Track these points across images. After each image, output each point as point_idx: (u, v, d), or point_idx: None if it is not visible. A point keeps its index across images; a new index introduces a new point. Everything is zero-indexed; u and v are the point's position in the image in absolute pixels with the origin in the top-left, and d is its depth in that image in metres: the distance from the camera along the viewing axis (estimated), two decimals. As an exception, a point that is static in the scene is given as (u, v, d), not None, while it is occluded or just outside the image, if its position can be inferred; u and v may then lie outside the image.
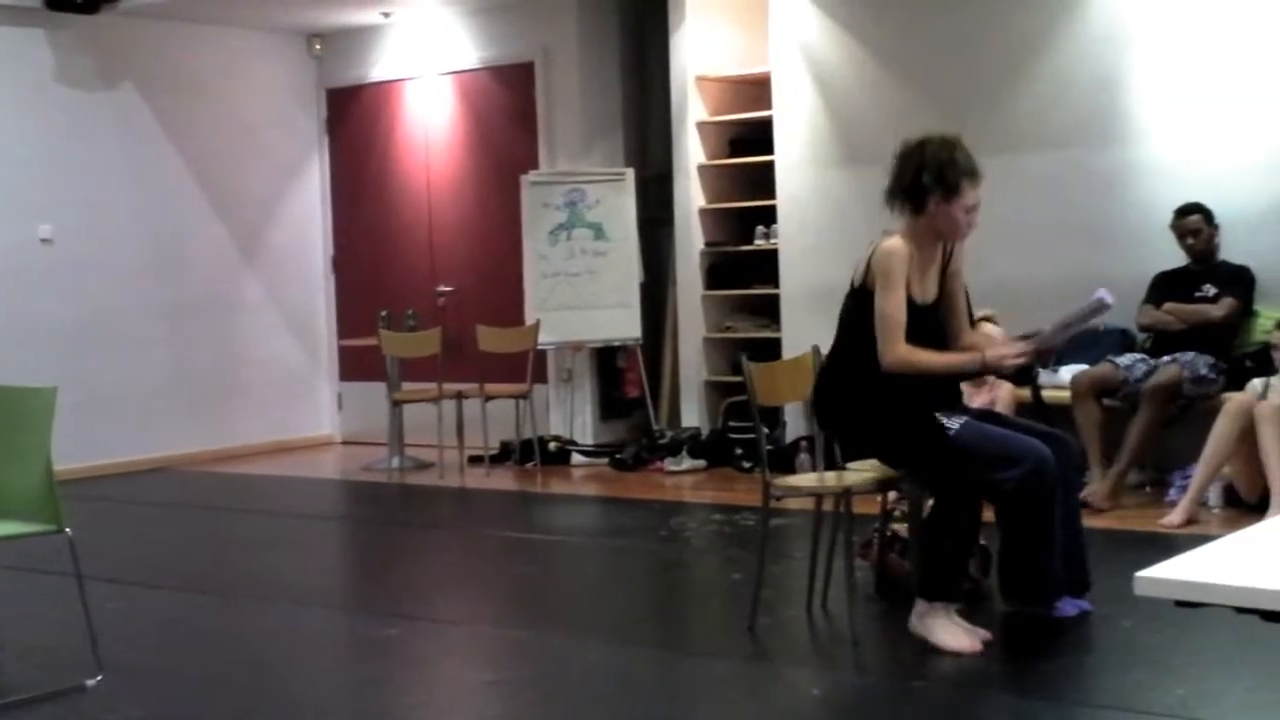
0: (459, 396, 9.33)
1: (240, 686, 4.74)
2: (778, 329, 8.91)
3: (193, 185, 10.32)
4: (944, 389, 4.87)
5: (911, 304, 4.69)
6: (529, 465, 9.28)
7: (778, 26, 8.72)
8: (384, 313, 9.90)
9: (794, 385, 5.33)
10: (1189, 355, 6.97)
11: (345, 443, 11.02)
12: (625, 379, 9.77)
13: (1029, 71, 7.87)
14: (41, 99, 9.55)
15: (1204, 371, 6.93)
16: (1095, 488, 6.79)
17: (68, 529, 4.59)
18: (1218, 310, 7.05)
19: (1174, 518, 6.47)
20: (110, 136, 9.87)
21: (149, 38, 10.04)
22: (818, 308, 7.47)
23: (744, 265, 9.35)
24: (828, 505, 5.17)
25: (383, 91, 10.75)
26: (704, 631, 5.49)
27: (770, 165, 8.84)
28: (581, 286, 9.41)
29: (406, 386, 9.70)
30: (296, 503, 8.81)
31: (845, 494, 4.91)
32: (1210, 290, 7.11)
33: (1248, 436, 6.37)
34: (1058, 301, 6.46)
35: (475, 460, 9.37)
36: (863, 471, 5.06)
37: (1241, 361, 7.01)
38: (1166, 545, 5.82)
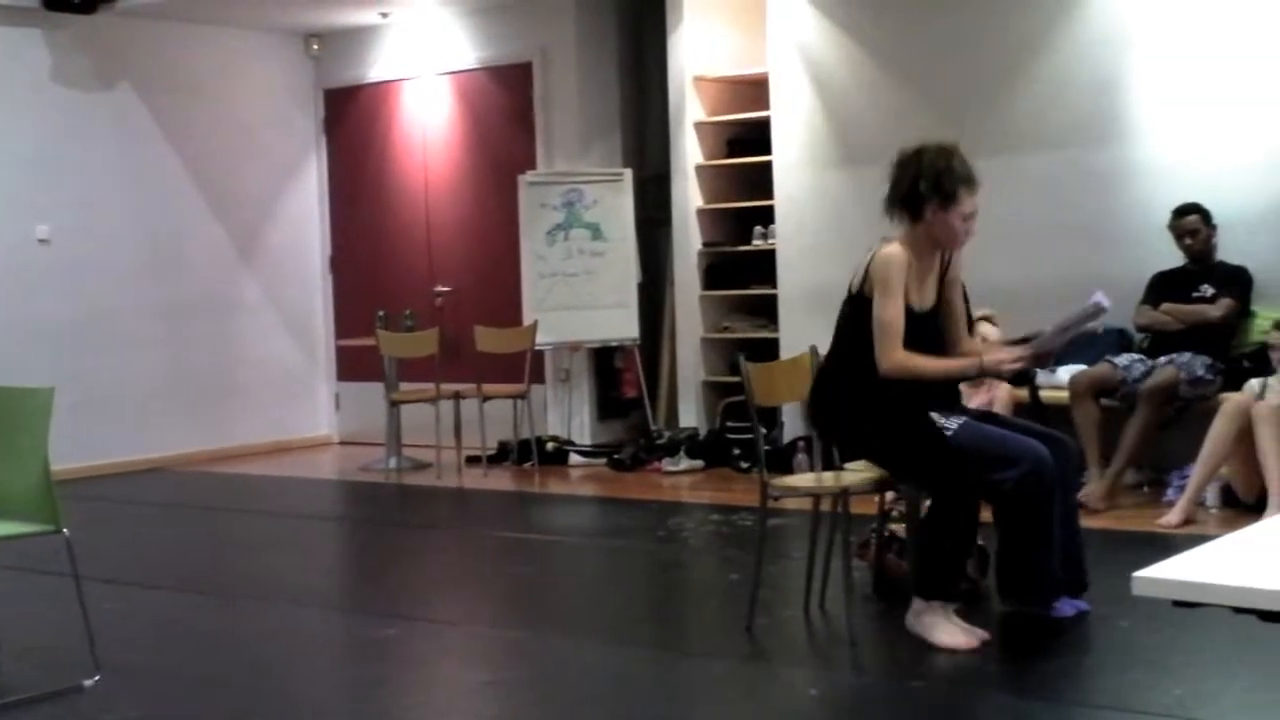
0: (456, 397, 9.32)
1: (238, 687, 4.74)
2: (775, 329, 8.91)
3: (190, 185, 10.31)
4: (942, 391, 4.88)
5: (909, 311, 4.71)
6: (526, 465, 9.28)
7: (775, 27, 8.72)
8: (381, 313, 9.90)
9: (792, 385, 5.33)
10: (1185, 356, 6.97)
11: (343, 443, 11.02)
12: (623, 379, 9.77)
13: (1027, 72, 7.88)
14: (39, 99, 9.54)
15: (1201, 372, 6.93)
16: (1091, 488, 6.79)
17: (65, 529, 4.58)
18: (1215, 311, 7.05)
19: (1171, 518, 6.47)
20: (108, 136, 9.87)
21: (146, 38, 10.04)
22: (816, 308, 7.47)
23: (742, 265, 9.35)
24: (825, 505, 5.17)
25: (380, 92, 10.75)
26: (702, 632, 5.49)
27: (768, 165, 8.84)
28: (579, 287, 9.41)
29: (404, 387, 9.70)
30: (294, 503, 8.80)
31: (843, 494, 4.91)
32: (1208, 290, 7.11)
33: (1245, 437, 6.38)
34: (1056, 301, 6.47)
35: (473, 460, 9.37)
36: (860, 472, 5.06)
37: (1239, 362, 7.01)
38: (1164, 545, 5.82)
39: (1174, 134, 7.46)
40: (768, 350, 8.36)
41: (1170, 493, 6.86)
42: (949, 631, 4.67)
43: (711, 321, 9.41)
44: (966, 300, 5.71)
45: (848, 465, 5.16)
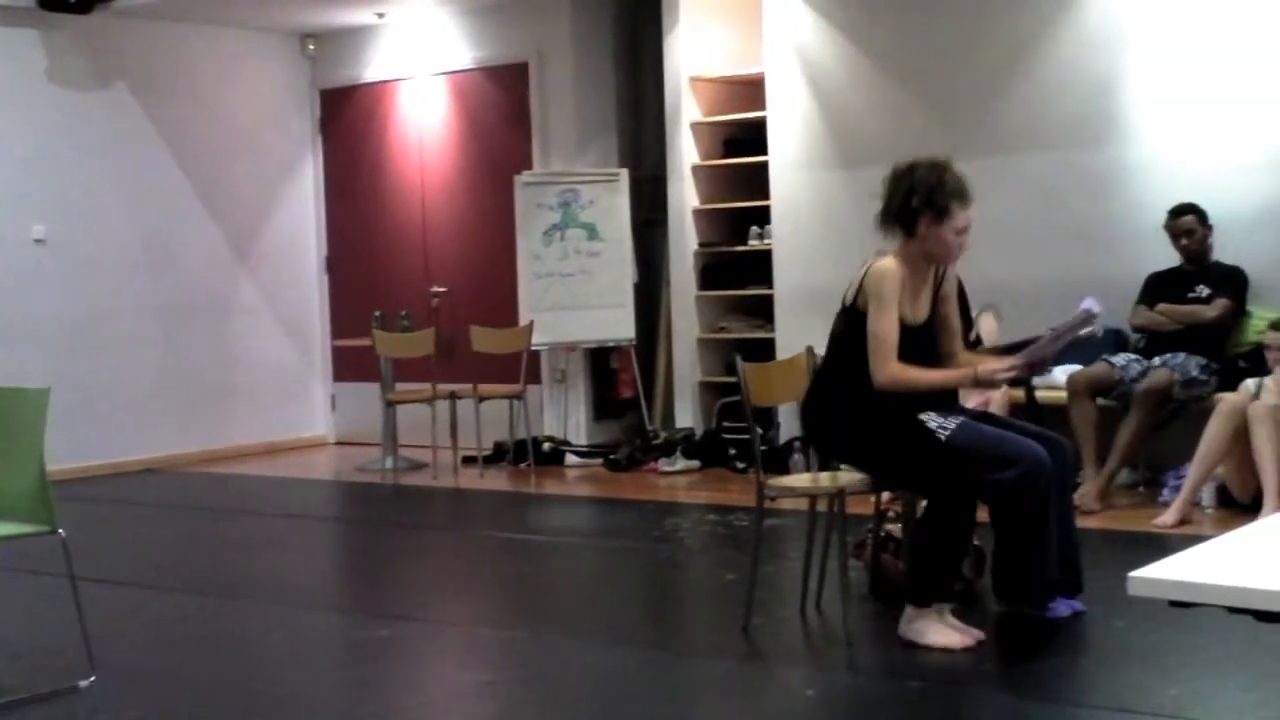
0: (453, 397, 9.32)
1: (234, 687, 4.74)
2: (772, 329, 8.91)
3: (186, 185, 10.31)
4: (939, 394, 4.88)
5: (902, 325, 4.72)
6: (523, 466, 9.27)
7: (772, 27, 8.72)
8: (378, 313, 9.90)
9: (788, 386, 5.33)
10: (1180, 357, 6.98)
11: (339, 443, 11.01)
12: (619, 380, 9.77)
13: (1023, 72, 7.88)
14: (35, 99, 9.54)
15: (1195, 373, 6.94)
16: (1086, 489, 6.79)
17: (61, 530, 4.58)
18: (1211, 311, 7.06)
19: (1167, 518, 6.47)
20: (104, 137, 9.86)
21: (142, 38, 10.03)
22: (812, 308, 7.47)
23: (738, 266, 9.35)
24: (822, 506, 5.18)
25: (376, 92, 10.75)
26: (698, 632, 5.49)
27: (764, 166, 8.85)
28: (575, 287, 9.41)
29: (400, 387, 9.69)
30: (290, 503, 8.80)
31: (839, 494, 4.92)
32: (1204, 291, 7.12)
33: (1241, 437, 6.38)
34: (1053, 300, 6.49)
35: (469, 461, 9.36)
36: (856, 472, 5.06)
37: (1235, 362, 7.02)
38: (1160, 545, 5.83)
39: (1170, 134, 7.46)
40: (764, 350, 8.36)
41: (1166, 493, 6.87)
42: (943, 632, 4.68)
43: (708, 322, 9.42)
44: (966, 300, 5.73)
45: (844, 465, 5.16)
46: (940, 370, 4.85)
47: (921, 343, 4.81)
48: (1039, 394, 7.15)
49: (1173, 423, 7.06)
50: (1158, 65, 7.48)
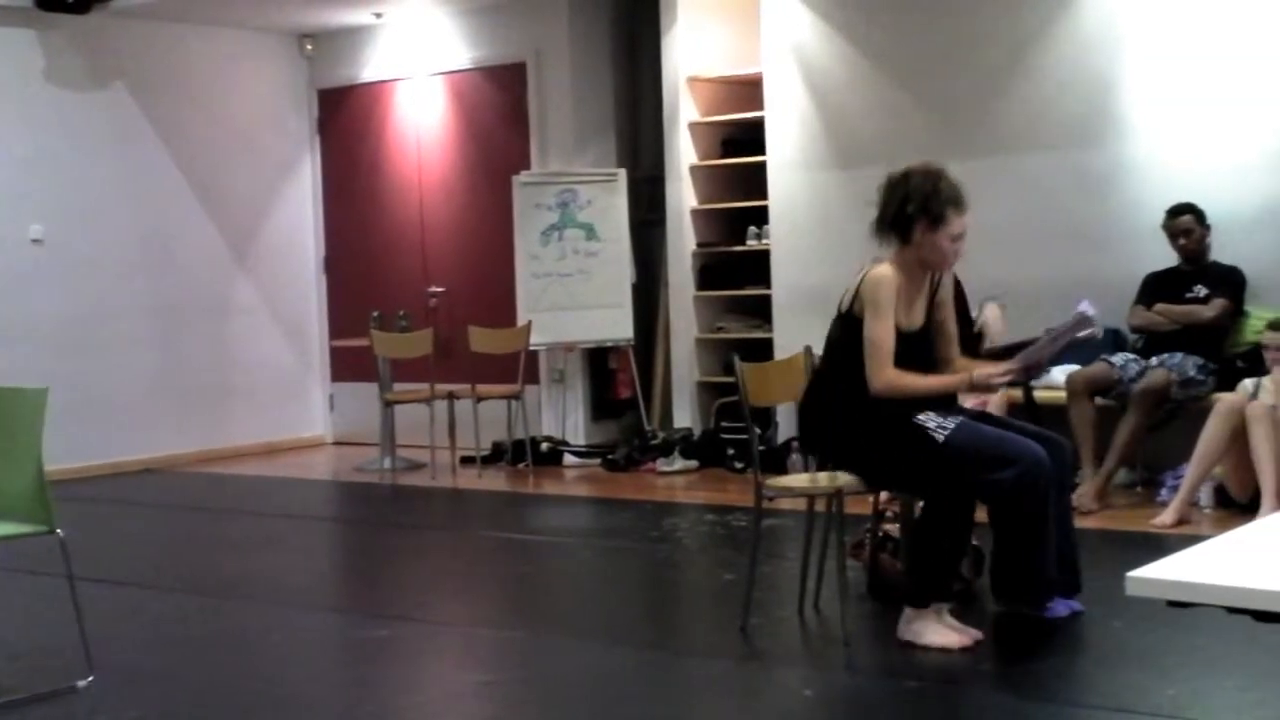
0: (451, 397, 9.32)
1: (232, 687, 4.74)
2: (770, 329, 8.91)
3: (184, 185, 10.30)
4: (937, 398, 4.89)
5: (897, 331, 4.72)
6: (521, 466, 9.27)
7: (769, 27, 8.72)
8: (376, 313, 9.90)
9: (786, 386, 5.33)
10: (1178, 357, 6.98)
11: (337, 443, 11.01)
12: (617, 380, 9.77)
13: (1021, 72, 7.88)
14: (32, 99, 9.53)
15: (1193, 374, 6.94)
16: (1083, 489, 6.79)
17: (59, 530, 4.58)
18: (1209, 311, 7.06)
19: (1165, 518, 6.47)
20: (101, 137, 9.86)
21: (140, 38, 10.03)
22: (809, 308, 7.48)
23: (736, 266, 9.35)
24: (820, 506, 5.18)
25: (374, 92, 10.74)
26: (696, 632, 5.49)
27: (762, 166, 8.85)
28: (573, 287, 9.41)
29: (398, 387, 9.69)
30: (288, 504, 8.80)
31: (837, 494, 4.92)
32: (1201, 291, 7.12)
33: (1239, 437, 6.38)
34: (1052, 300, 6.49)
35: (467, 461, 9.36)
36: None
37: (1233, 362, 7.02)
38: (1158, 545, 5.83)
39: (1168, 134, 7.47)
40: (762, 350, 8.36)
41: (1164, 493, 6.87)
42: (941, 632, 4.68)
43: (706, 322, 9.42)
44: (965, 300, 5.72)
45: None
46: (936, 376, 4.86)
47: (918, 349, 4.81)
48: (1037, 394, 7.16)
49: (1170, 423, 7.07)
50: (1156, 65, 7.48)
